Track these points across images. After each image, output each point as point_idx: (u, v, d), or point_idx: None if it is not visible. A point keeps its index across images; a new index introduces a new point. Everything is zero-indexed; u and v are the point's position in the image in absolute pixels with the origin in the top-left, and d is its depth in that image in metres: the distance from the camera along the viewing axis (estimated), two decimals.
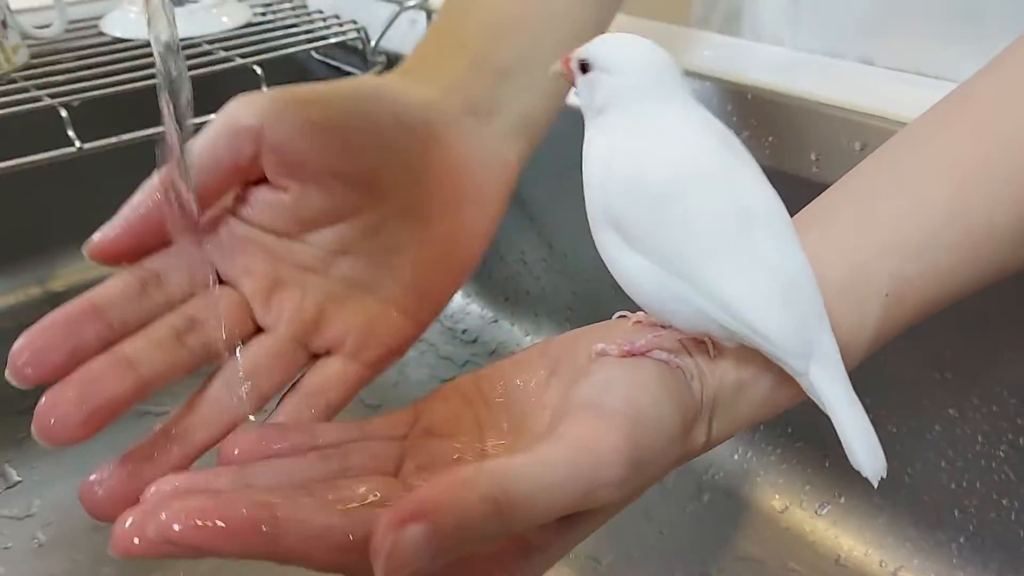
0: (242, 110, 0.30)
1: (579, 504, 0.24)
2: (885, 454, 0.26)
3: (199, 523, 0.22)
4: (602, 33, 0.29)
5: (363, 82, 0.33)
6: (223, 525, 0.22)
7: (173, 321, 0.29)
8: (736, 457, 0.54)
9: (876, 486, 0.25)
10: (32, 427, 0.26)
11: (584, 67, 0.27)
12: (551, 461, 0.23)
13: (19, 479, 0.55)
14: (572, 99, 0.30)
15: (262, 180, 0.31)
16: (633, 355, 0.27)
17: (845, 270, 0.29)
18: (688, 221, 0.25)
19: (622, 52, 0.27)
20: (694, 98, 0.28)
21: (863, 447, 0.26)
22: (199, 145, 0.29)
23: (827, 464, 0.51)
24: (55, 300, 0.73)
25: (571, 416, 0.25)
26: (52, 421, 0.26)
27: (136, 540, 0.22)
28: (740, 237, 0.26)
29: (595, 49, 0.27)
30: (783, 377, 0.27)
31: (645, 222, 0.26)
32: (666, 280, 0.26)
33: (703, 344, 0.28)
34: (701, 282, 0.26)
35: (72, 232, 0.70)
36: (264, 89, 0.59)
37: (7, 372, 0.26)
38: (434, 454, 0.28)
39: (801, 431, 0.52)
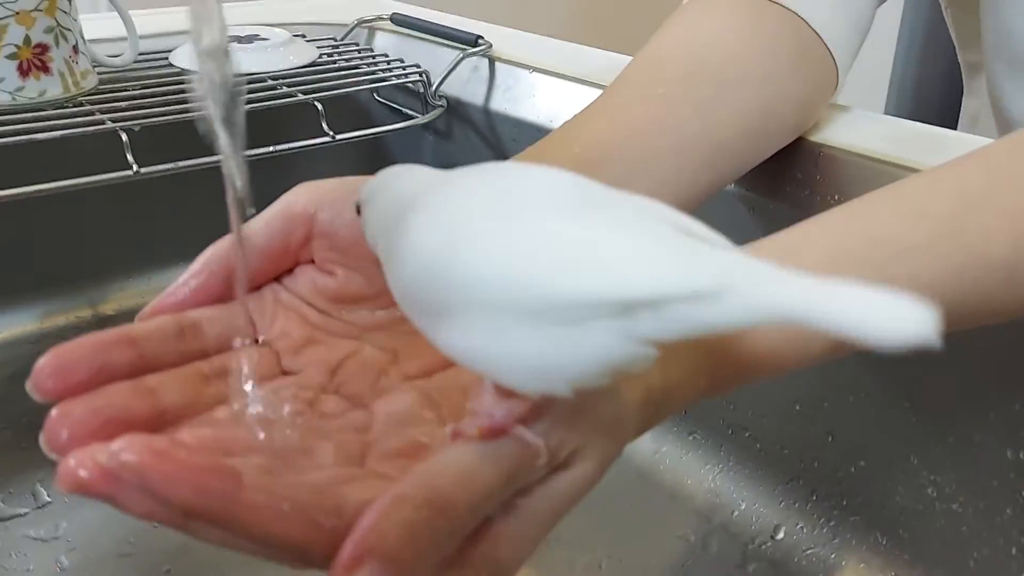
0: (298, 196, 0.31)
1: (518, 467, 0.23)
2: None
3: (156, 456, 0.21)
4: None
5: None
6: (182, 459, 0.21)
7: (202, 367, 0.29)
8: (785, 527, 0.51)
9: (940, 343, 0.19)
10: (41, 436, 0.24)
11: None
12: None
13: (49, 500, 0.54)
14: None
15: (310, 260, 0.32)
16: (495, 432, 0.23)
17: (828, 251, 0.30)
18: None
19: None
20: None
21: (884, 312, 0.19)
22: (254, 225, 0.31)
23: (884, 542, 0.48)
24: (105, 323, 0.73)
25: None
26: (61, 431, 0.24)
27: (83, 472, 0.21)
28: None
29: None
30: None
31: None
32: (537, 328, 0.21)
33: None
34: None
35: (125, 257, 0.72)
36: (324, 126, 0.59)
37: (28, 384, 0.26)
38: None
39: (856, 504, 0.49)
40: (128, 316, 0.73)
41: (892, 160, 0.44)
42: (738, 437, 0.54)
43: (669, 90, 0.41)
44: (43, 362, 0.25)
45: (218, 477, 0.21)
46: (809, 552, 0.50)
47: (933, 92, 1.49)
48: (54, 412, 0.24)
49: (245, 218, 0.27)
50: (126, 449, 0.21)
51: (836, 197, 0.46)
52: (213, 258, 0.30)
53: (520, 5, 1.47)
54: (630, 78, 0.43)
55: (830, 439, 0.50)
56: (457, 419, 0.27)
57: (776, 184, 0.48)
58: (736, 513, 0.53)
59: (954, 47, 0.65)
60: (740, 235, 0.50)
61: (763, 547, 0.51)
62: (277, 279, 0.32)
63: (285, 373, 0.31)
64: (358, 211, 0.28)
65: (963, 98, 0.66)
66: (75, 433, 0.24)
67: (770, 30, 0.45)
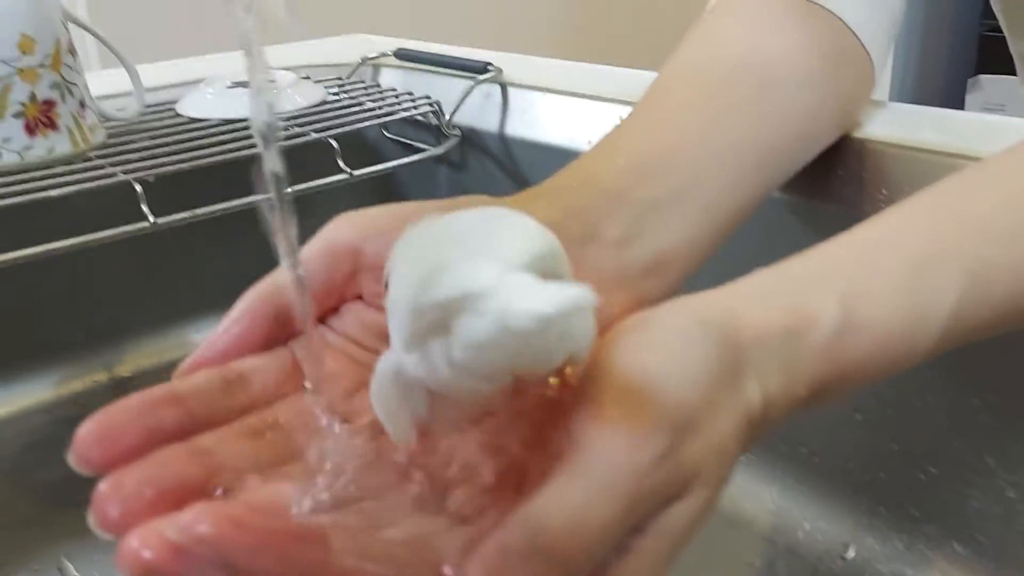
0: (341, 229, 0.29)
1: (634, 502, 0.21)
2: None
3: (234, 526, 0.19)
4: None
5: (473, 199, 0.31)
6: (264, 526, 0.19)
7: (253, 422, 0.27)
8: (855, 545, 0.49)
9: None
10: (90, 514, 0.22)
11: None
12: (578, 473, 0.21)
13: (76, 575, 0.52)
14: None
15: (357, 296, 0.29)
16: None
17: (921, 242, 0.28)
18: None
19: None
20: None
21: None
22: None
23: (962, 551, 0.46)
24: (122, 385, 0.71)
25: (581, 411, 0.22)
26: (113, 506, 0.21)
27: (148, 552, 0.19)
28: None
29: None
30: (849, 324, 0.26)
31: None
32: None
33: None
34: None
35: (139, 315, 0.69)
36: (340, 163, 0.57)
37: (70, 457, 0.23)
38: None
39: (930, 514, 0.47)
40: (145, 376, 0.71)
41: (941, 150, 0.43)
42: (795, 453, 0.52)
43: (713, 95, 0.39)
44: (87, 429, 0.23)
45: (304, 543, 0.19)
46: (883, 568, 0.48)
47: (936, 78, 1.48)
48: (103, 486, 0.22)
49: (295, 253, 0.25)
50: (200, 520, 0.19)
51: (884, 192, 0.44)
52: (255, 301, 0.28)
53: (504, 31, 1.46)
54: (667, 87, 0.41)
55: (895, 447, 0.48)
56: (527, 445, 0.25)
57: (819, 185, 0.46)
58: (801, 534, 0.50)
59: (952, 34, 0.64)
60: (787, 240, 0.49)
61: (833, 567, 0.49)
62: (322, 320, 0.30)
63: (337, 419, 0.28)
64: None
65: (967, 92, 0.65)
66: (129, 508, 0.21)
67: (807, 30, 0.43)
